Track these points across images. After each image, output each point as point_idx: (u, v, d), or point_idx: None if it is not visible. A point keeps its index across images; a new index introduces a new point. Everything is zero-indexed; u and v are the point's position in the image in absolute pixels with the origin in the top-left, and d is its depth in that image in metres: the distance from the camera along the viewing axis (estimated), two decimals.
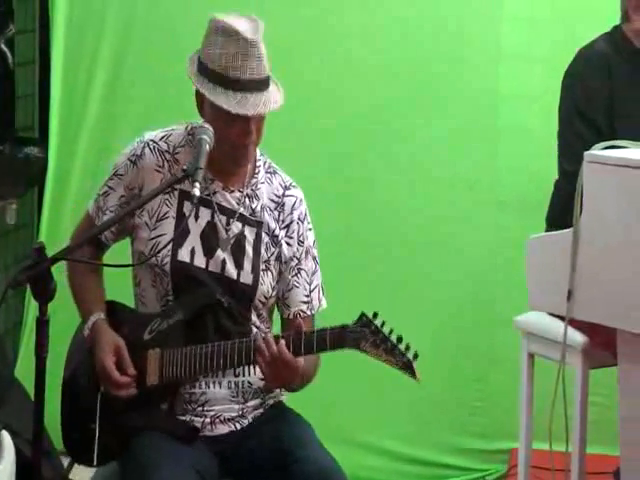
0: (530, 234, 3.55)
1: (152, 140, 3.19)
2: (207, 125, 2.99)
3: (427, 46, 4.76)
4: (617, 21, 3.90)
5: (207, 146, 2.94)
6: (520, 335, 4.01)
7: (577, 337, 3.64)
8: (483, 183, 4.70)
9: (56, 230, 4.36)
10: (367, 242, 4.74)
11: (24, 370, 4.20)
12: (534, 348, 3.96)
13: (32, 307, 4.16)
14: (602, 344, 3.48)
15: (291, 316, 3.22)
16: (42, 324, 2.67)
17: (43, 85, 4.90)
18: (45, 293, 2.69)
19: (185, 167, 2.91)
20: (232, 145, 3.05)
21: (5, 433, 3.42)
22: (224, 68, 2.99)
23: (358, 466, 3.85)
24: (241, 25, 3.01)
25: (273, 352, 2.94)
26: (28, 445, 3.17)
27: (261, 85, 3.00)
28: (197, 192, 2.80)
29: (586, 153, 3.18)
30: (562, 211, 3.55)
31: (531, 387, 4.01)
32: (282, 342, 2.94)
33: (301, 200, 3.25)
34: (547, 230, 3.75)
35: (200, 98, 3.09)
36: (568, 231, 3.21)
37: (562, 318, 3.34)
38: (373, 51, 4.78)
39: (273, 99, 3.03)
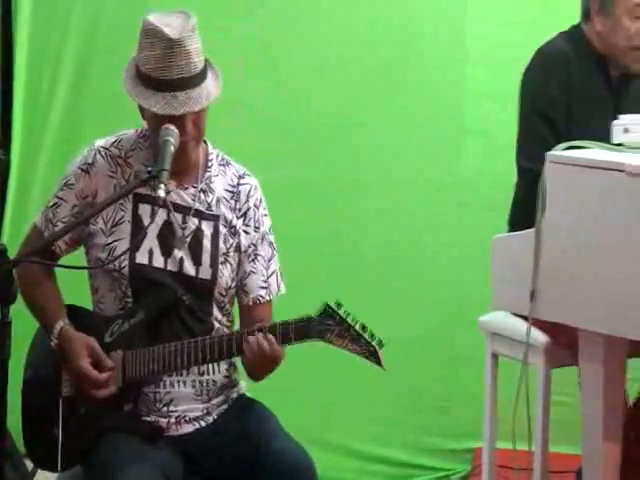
0: (494, 235, 3.55)
1: (103, 147, 3.19)
2: (172, 127, 2.98)
3: (393, 49, 4.77)
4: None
5: (172, 147, 2.95)
6: (484, 335, 4.01)
7: (540, 337, 3.63)
8: (448, 184, 4.72)
9: (18, 232, 4.30)
10: (334, 241, 4.76)
11: None
12: (498, 348, 3.97)
13: None
14: (564, 344, 3.49)
15: (250, 302, 3.24)
16: (4, 326, 2.65)
17: (6, 87, 4.87)
18: (7, 295, 2.67)
19: (150, 169, 2.93)
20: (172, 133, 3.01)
21: None
22: (153, 70, 3.00)
23: (326, 466, 3.84)
24: (167, 25, 3.00)
25: (265, 348, 2.97)
26: None
27: (192, 82, 3.01)
28: (162, 193, 2.84)
29: (548, 153, 3.19)
30: (521, 209, 3.58)
31: (495, 387, 4.01)
32: (271, 337, 2.96)
33: (256, 187, 3.27)
34: (509, 231, 3.74)
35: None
36: (531, 231, 3.22)
37: (525, 318, 3.34)
38: (340, 54, 4.79)
39: (205, 95, 3.02)
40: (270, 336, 2.97)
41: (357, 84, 4.79)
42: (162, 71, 3.00)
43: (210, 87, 3.07)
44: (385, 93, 4.78)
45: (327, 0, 4.83)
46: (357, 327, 2.94)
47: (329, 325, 2.94)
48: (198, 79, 3.03)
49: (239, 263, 3.22)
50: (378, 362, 2.95)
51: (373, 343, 2.93)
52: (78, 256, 3.27)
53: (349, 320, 2.94)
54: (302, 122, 4.81)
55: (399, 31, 4.75)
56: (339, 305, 2.95)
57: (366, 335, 2.94)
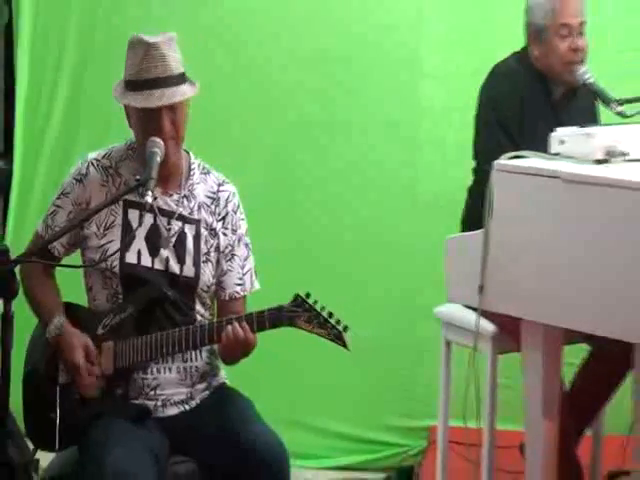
0: (447, 235, 3.59)
1: (95, 159, 3.23)
2: (157, 139, 3.03)
3: (352, 64, 4.74)
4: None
5: (158, 158, 3.00)
6: (439, 325, 4.06)
7: (488, 326, 3.69)
8: (406, 189, 4.71)
9: (21, 235, 4.34)
10: (303, 239, 4.74)
11: None
12: (451, 336, 4.02)
13: None
14: (509, 332, 3.52)
15: (227, 298, 3.28)
16: (7, 320, 2.70)
17: (8, 103, 4.90)
18: (10, 291, 2.72)
19: (139, 177, 3.00)
20: (151, 134, 3.06)
21: None
22: (134, 74, 3.07)
23: (296, 443, 3.87)
24: (147, 35, 3.06)
25: (241, 336, 3.01)
26: None
27: (168, 82, 3.05)
28: (149, 199, 2.91)
29: (495, 162, 3.21)
30: (476, 212, 3.61)
31: (448, 371, 4.07)
32: (246, 325, 3.01)
33: (234, 193, 3.31)
34: (462, 231, 3.77)
35: (125, 110, 3.15)
36: (480, 232, 3.25)
37: (475, 310, 3.37)
38: (306, 69, 4.78)
39: (180, 92, 3.07)
40: (244, 324, 3.02)
41: (324, 99, 4.78)
42: (141, 73, 3.06)
43: (186, 89, 3.11)
44: (348, 106, 4.77)
45: (293, 18, 4.80)
46: (324, 313, 3.00)
47: (299, 312, 3.00)
48: (174, 81, 3.08)
49: (218, 261, 3.25)
50: (344, 344, 3.01)
51: (339, 327, 2.99)
52: (75, 259, 3.30)
53: (317, 307, 3.00)
54: (275, 131, 4.80)
55: (359, 50, 4.73)
56: (308, 295, 3.01)
57: (332, 320, 3.00)
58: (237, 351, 3.11)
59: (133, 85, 3.08)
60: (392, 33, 4.73)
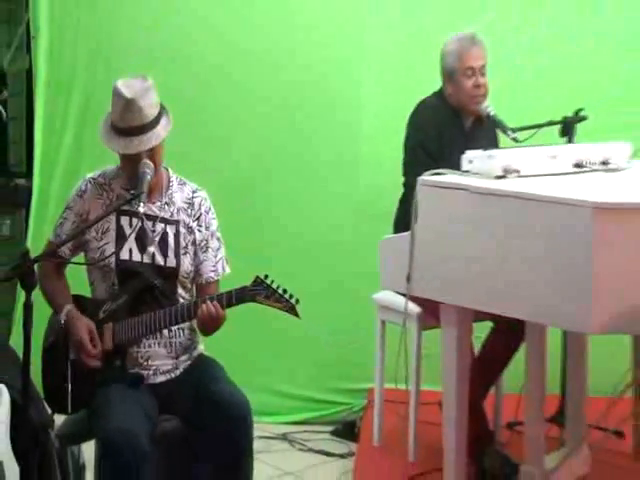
0: (382, 234, 3.59)
1: (92, 178, 3.24)
2: (149, 161, 3.05)
3: (301, 93, 4.71)
4: None
5: (148, 176, 3.02)
6: (375, 307, 4.08)
7: (414, 308, 3.71)
8: (349, 201, 4.69)
9: (39, 239, 4.29)
10: (263, 237, 4.72)
11: (15, 340, 4.15)
12: (385, 316, 4.04)
13: (20, 295, 4.11)
14: (431, 313, 3.53)
15: (203, 282, 3.28)
16: (28, 307, 2.70)
17: (29, 133, 4.86)
18: (30, 284, 2.71)
19: (133, 192, 3.02)
20: (134, 164, 3.07)
21: (2, 385, 3.41)
22: (117, 121, 3.06)
23: (258, 402, 3.84)
24: (127, 86, 3.03)
25: (212, 312, 3.02)
26: (19, 394, 3.13)
27: (144, 129, 3.04)
28: (141, 209, 2.97)
29: (419, 178, 3.21)
30: (404, 217, 3.61)
31: (383, 344, 4.08)
32: (217, 303, 3.02)
33: (205, 198, 3.31)
34: (394, 233, 3.77)
35: None
36: (408, 233, 3.24)
37: (404, 295, 3.37)
38: (267, 97, 4.75)
39: (154, 137, 3.05)
40: (215, 303, 3.03)
41: (279, 124, 4.74)
42: (122, 122, 3.05)
43: (159, 131, 3.08)
44: (299, 129, 4.74)
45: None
46: (280, 290, 3.00)
47: (259, 290, 3.00)
48: (150, 126, 3.06)
49: (195, 253, 3.25)
50: (296, 314, 3.02)
51: (292, 301, 3.01)
52: (79, 260, 3.28)
53: (273, 286, 3.00)
54: (236, 145, 4.78)
55: (305, 81, 4.70)
56: (266, 276, 3.02)
57: (286, 296, 3.00)
58: (211, 324, 3.11)
59: (116, 130, 3.08)
60: (335, 69, 4.70)
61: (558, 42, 4.66)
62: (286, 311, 3.01)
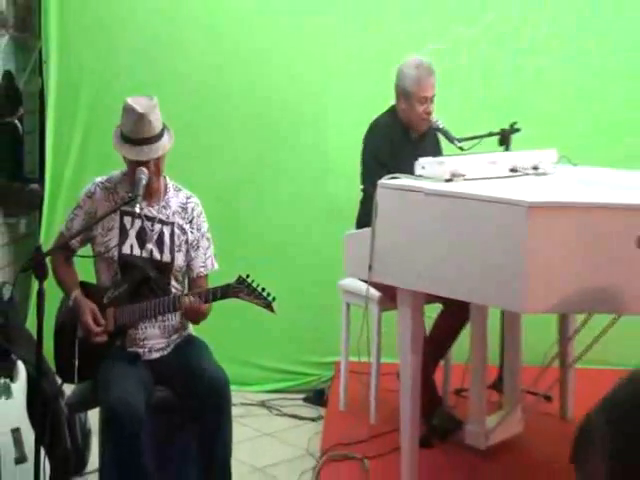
0: (346, 231, 3.55)
1: (100, 182, 3.19)
2: (144, 169, 3.02)
3: (276, 111, 4.67)
4: None
5: (143, 181, 3.00)
6: (341, 292, 4.04)
7: (374, 293, 3.68)
8: (317, 203, 4.66)
9: (50, 236, 4.28)
10: (245, 236, 4.65)
11: (31, 323, 4.09)
12: (350, 299, 4.00)
13: (35, 284, 4.04)
14: (389, 296, 3.50)
15: (194, 276, 3.23)
16: (40, 294, 2.69)
17: (41, 145, 4.81)
18: (42, 275, 2.71)
19: (131, 195, 2.99)
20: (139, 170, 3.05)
21: (19, 362, 3.37)
22: (128, 132, 3.02)
23: (238, 374, 3.83)
24: (137, 103, 3.01)
25: (194, 305, 2.99)
26: (33, 369, 3.14)
27: (153, 139, 3.02)
28: (138, 209, 2.94)
29: (378, 182, 3.19)
30: (364, 216, 3.59)
31: (348, 323, 4.05)
32: (198, 298, 2.99)
33: (197, 204, 3.26)
34: (357, 228, 3.73)
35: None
36: (368, 229, 3.21)
37: (366, 282, 3.33)
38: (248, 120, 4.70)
39: (161, 147, 3.05)
40: (196, 297, 3.00)
41: (257, 133, 4.71)
42: (134, 133, 3.02)
43: (165, 143, 3.08)
44: (274, 140, 4.71)
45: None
46: (259, 289, 2.96)
47: (241, 288, 2.96)
48: (157, 138, 3.05)
49: (187, 251, 3.20)
50: (272, 310, 2.98)
51: (269, 299, 2.96)
52: (86, 252, 3.24)
53: (254, 285, 2.96)
54: (223, 150, 4.72)
55: (281, 100, 4.67)
56: (248, 276, 2.97)
57: (264, 294, 2.96)
58: (193, 316, 3.10)
59: (128, 140, 3.04)
60: (303, 95, 4.67)
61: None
62: (264, 307, 2.98)
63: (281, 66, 4.67)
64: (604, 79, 4.65)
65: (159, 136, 3.05)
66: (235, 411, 3.17)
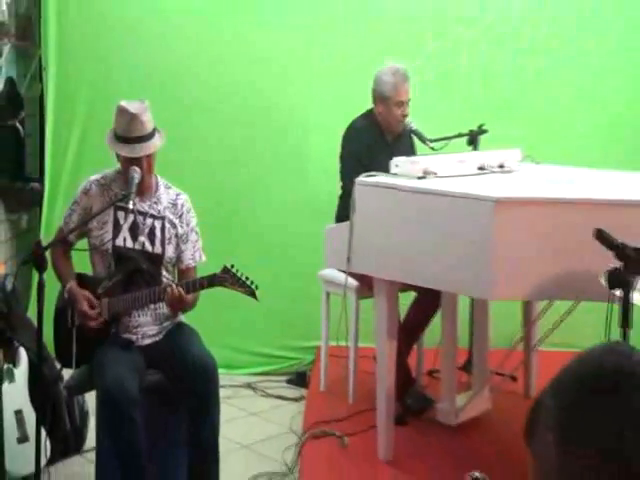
0: (327, 225, 3.55)
1: (95, 179, 3.15)
2: (137, 168, 2.99)
3: (262, 116, 4.62)
4: None
5: (136, 180, 2.97)
6: (321, 282, 4.00)
7: (352, 282, 3.63)
8: (299, 200, 4.61)
9: (50, 231, 4.24)
10: (230, 230, 4.58)
11: (32, 312, 4.04)
12: (329, 288, 3.97)
13: (35, 275, 3.99)
14: (366, 285, 3.49)
15: (183, 267, 3.18)
16: (40, 285, 2.68)
17: (41, 147, 4.76)
18: (42, 267, 2.70)
19: (124, 192, 2.97)
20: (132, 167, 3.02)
21: (21, 348, 3.34)
22: (122, 132, 3.00)
23: (225, 357, 3.79)
24: (131, 106, 2.99)
25: (176, 295, 2.94)
26: (34, 354, 3.13)
27: (144, 138, 3.00)
28: (131, 205, 2.92)
29: (357, 179, 3.19)
30: (343, 211, 3.57)
31: (328, 310, 4.01)
32: (180, 289, 2.94)
33: (187, 200, 3.21)
34: (336, 222, 3.70)
35: (115, 152, 3.08)
36: (347, 223, 3.21)
37: (344, 272, 3.33)
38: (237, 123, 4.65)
39: (153, 146, 3.02)
40: (180, 288, 2.95)
41: (244, 135, 4.65)
42: (127, 132, 2.99)
43: (156, 142, 3.05)
44: (260, 142, 4.66)
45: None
46: (243, 278, 2.92)
47: (226, 277, 2.91)
48: (148, 137, 3.02)
49: (177, 244, 3.16)
50: (255, 298, 2.93)
51: (252, 287, 2.92)
52: (82, 245, 3.20)
53: (238, 274, 2.92)
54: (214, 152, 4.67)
55: (269, 110, 4.63)
56: (232, 266, 2.93)
57: (248, 282, 2.92)
58: (177, 305, 3.04)
59: (122, 139, 3.01)
60: (290, 95, 4.62)
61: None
62: (247, 295, 2.93)
63: (269, 72, 4.61)
64: (604, 79, 4.54)
65: (150, 135, 3.02)
66: (223, 392, 3.15)
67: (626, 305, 2.26)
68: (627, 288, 2.25)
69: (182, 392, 3.00)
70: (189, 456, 3.02)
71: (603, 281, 2.27)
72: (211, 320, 3.98)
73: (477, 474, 1.04)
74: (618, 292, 2.26)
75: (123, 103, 3.02)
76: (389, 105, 3.79)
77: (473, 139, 3.89)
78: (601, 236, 2.29)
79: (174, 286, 2.96)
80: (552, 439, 0.93)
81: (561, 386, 0.95)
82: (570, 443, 0.92)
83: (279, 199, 4.65)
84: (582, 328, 3.72)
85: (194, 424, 2.99)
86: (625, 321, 2.25)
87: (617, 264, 2.27)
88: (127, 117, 2.98)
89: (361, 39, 4.60)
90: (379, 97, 3.82)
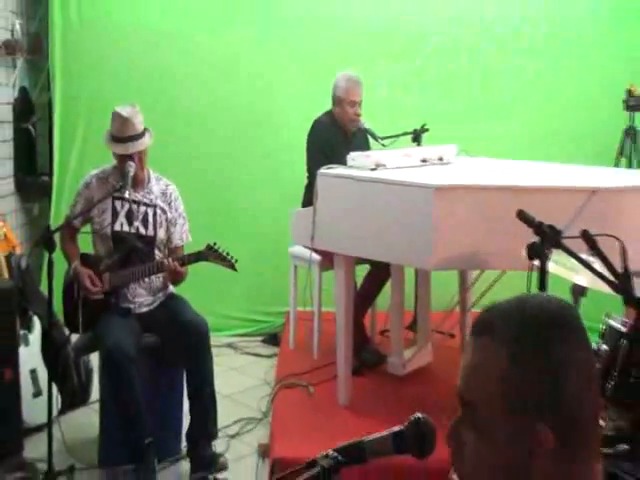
0: (295, 209, 3.50)
1: (95, 174, 3.09)
2: (132, 162, 2.94)
3: (240, 115, 4.56)
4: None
5: (131, 173, 2.92)
6: (290, 257, 3.96)
7: (316, 257, 3.61)
8: (273, 187, 4.55)
9: (58, 218, 4.20)
10: (217, 215, 4.52)
11: (43, 286, 3.96)
12: (297, 262, 3.93)
13: (45, 255, 3.90)
14: (328, 260, 3.46)
15: (173, 246, 3.12)
16: (50, 264, 2.65)
17: (50, 146, 4.66)
18: (51, 248, 2.66)
19: (121, 184, 2.91)
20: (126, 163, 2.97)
21: (35, 317, 3.28)
22: (116, 132, 2.95)
23: (212, 322, 3.71)
24: (124, 110, 2.94)
25: (172, 267, 2.91)
26: (46, 322, 3.07)
27: (135, 137, 2.95)
28: (127, 195, 2.88)
29: (318, 171, 3.16)
30: (308, 197, 3.54)
31: (296, 281, 3.97)
32: (176, 262, 2.91)
33: (175, 189, 3.15)
34: (302, 207, 3.66)
35: (112, 151, 3.03)
36: (311, 207, 3.18)
37: (309, 248, 3.30)
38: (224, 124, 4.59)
39: (142, 144, 2.96)
40: (175, 262, 2.92)
41: (227, 132, 4.59)
42: (121, 133, 2.95)
43: (146, 140, 3.00)
44: (240, 138, 4.60)
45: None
46: (224, 253, 2.89)
47: (210, 253, 2.89)
48: (139, 137, 2.97)
49: (167, 227, 3.10)
50: (234, 269, 2.91)
51: (232, 261, 2.90)
52: (87, 231, 3.14)
53: (220, 250, 2.89)
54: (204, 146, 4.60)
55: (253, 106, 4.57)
56: (215, 243, 2.90)
57: (229, 257, 2.89)
58: (174, 276, 3.02)
59: (116, 139, 2.96)
60: (265, 98, 4.57)
61: None
62: (228, 267, 2.90)
63: (252, 85, 4.56)
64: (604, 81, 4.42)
65: (141, 135, 2.97)
66: None
67: (543, 273, 2.26)
68: (543, 259, 2.25)
69: (177, 350, 2.96)
70: (190, 405, 2.97)
71: (524, 253, 2.27)
72: (198, 291, 3.90)
73: (419, 415, 1.02)
74: (536, 262, 2.26)
75: (117, 108, 2.97)
76: (343, 105, 3.75)
77: (417, 137, 3.87)
78: (522, 216, 2.29)
79: (170, 260, 2.92)
80: (505, 353, 0.93)
81: (511, 319, 0.96)
82: (520, 363, 0.93)
83: (255, 188, 4.59)
84: (508, 293, 3.68)
85: (192, 376, 2.95)
86: (542, 286, 2.25)
87: (535, 239, 2.27)
88: (120, 120, 2.93)
89: (321, 46, 4.53)
90: (336, 100, 3.79)
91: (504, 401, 0.92)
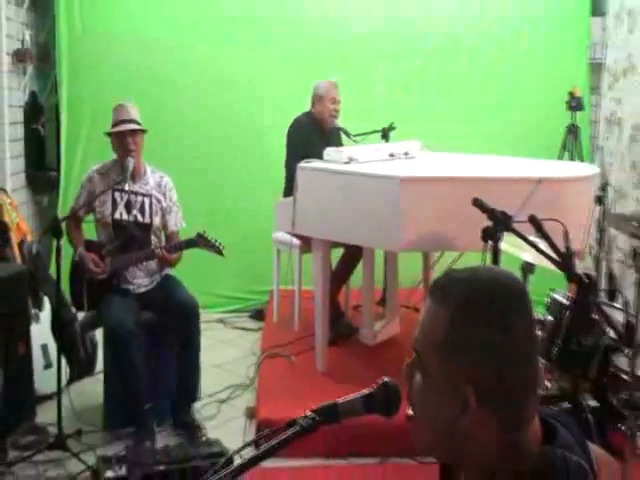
0: (277, 200, 3.48)
1: (96, 169, 3.04)
2: (131, 158, 2.89)
3: (228, 112, 4.46)
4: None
5: (130, 167, 2.87)
6: (273, 241, 3.92)
7: (296, 241, 3.58)
8: (260, 178, 4.46)
9: (65, 209, 4.11)
10: (209, 204, 4.43)
11: (51, 269, 3.89)
12: (279, 246, 3.89)
13: (53, 242, 3.83)
14: (306, 243, 3.42)
15: (168, 232, 3.07)
16: (58, 250, 2.61)
17: (57, 144, 4.58)
18: (59, 235, 2.62)
19: (121, 177, 2.87)
20: (124, 151, 2.92)
21: (45, 297, 3.23)
22: (114, 118, 2.93)
23: (202, 300, 3.65)
24: (122, 102, 2.95)
25: (160, 255, 2.88)
26: (55, 301, 3.03)
27: (129, 121, 2.92)
28: (126, 187, 2.83)
29: (298, 165, 3.12)
30: (288, 188, 3.50)
31: (278, 262, 3.93)
32: (164, 251, 2.88)
33: (169, 181, 3.09)
34: (283, 197, 3.62)
35: (111, 142, 2.98)
36: (291, 198, 3.15)
37: (290, 234, 3.28)
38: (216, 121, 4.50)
39: (135, 125, 2.93)
40: (164, 251, 2.89)
41: (216, 128, 4.50)
42: (117, 117, 2.94)
43: (140, 125, 2.96)
44: (227, 134, 4.50)
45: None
46: (212, 240, 2.86)
47: (200, 240, 2.86)
48: (134, 121, 2.94)
49: (163, 215, 3.05)
50: (222, 255, 2.88)
51: (220, 247, 2.87)
52: (90, 220, 3.09)
53: (209, 238, 2.86)
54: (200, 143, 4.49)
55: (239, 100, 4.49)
56: (204, 232, 2.87)
57: (217, 244, 2.86)
58: (165, 263, 3.00)
59: (114, 122, 2.93)
60: (247, 96, 4.47)
61: None
62: (216, 253, 2.87)
63: (238, 89, 4.48)
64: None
65: (135, 121, 2.95)
66: (201, 326, 3.05)
67: (495, 253, 2.27)
68: (496, 240, 2.26)
69: (171, 326, 2.93)
70: (177, 371, 2.95)
71: (479, 235, 2.27)
72: (192, 273, 3.86)
73: (386, 379, 1.01)
74: (490, 243, 2.26)
75: (117, 104, 2.97)
76: (324, 101, 3.69)
77: (385, 134, 3.84)
78: (477, 203, 2.29)
79: (160, 250, 2.90)
80: (450, 313, 0.92)
81: (461, 283, 0.93)
82: (461, 323, 0.91)
83: (243, 180, 4.54)
84: None
85: (182, 349, 2.93)
86: (495, 264, 2.26)
87: (489, 223, 2.27)
88: (118, 108, 2.95)
89: (302, 52, 4.45)
90: (317, 97, 3.73)
91: (440, 352, 0.91)
